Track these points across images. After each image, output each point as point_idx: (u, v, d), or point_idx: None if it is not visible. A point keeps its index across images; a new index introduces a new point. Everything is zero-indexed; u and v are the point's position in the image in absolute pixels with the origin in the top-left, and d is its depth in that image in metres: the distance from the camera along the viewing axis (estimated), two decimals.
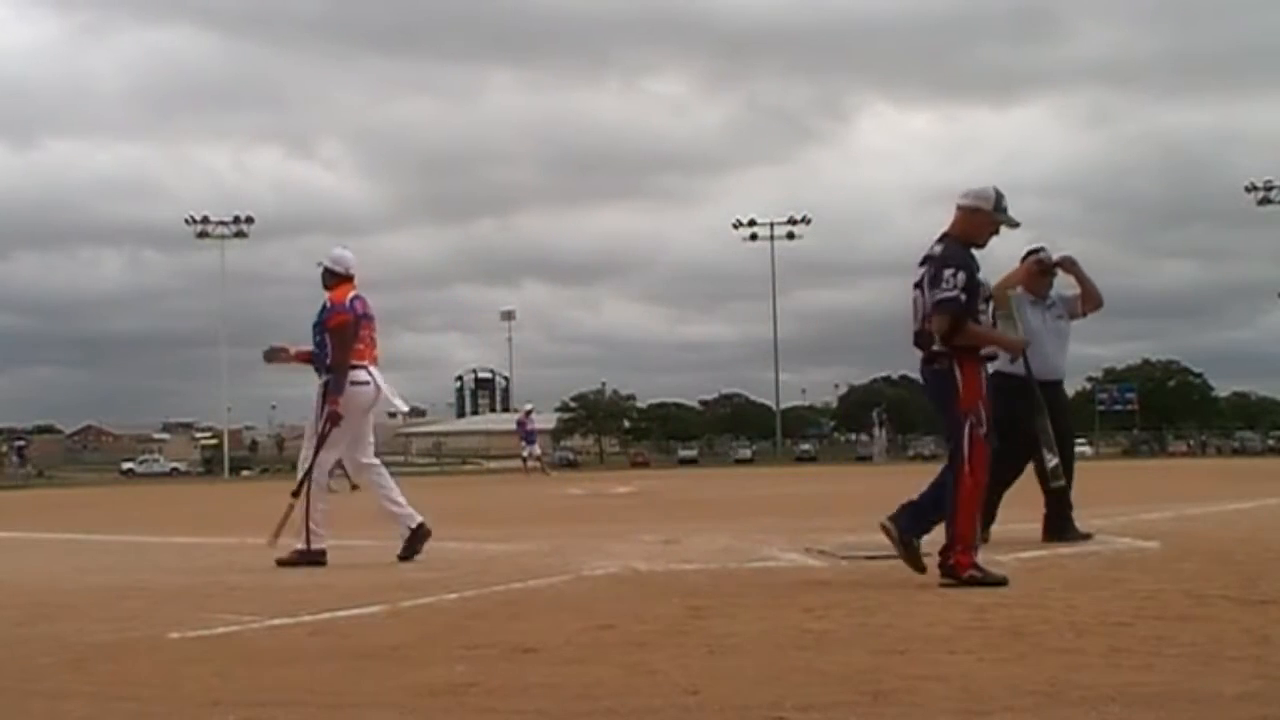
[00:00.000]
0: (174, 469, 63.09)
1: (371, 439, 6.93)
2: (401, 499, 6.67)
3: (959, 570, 4.87)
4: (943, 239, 5.11)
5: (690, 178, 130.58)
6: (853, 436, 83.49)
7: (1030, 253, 6.70)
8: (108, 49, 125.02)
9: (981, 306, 5.07)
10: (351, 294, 6.76)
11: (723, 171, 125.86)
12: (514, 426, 30.73)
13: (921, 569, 4.97)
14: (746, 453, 65.61)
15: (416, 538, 6.53)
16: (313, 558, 6.43)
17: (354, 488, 18.46)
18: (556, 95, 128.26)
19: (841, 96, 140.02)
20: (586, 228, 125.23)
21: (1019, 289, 6.56)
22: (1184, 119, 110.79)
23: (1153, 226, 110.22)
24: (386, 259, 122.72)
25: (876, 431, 44.22)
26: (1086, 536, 6.47)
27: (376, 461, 6.88)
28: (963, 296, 4.93)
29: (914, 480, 5.33)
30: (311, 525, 6.50)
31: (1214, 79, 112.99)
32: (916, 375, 5.33)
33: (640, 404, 78.27)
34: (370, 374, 6.70)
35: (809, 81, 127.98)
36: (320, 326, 6.66)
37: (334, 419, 6.48)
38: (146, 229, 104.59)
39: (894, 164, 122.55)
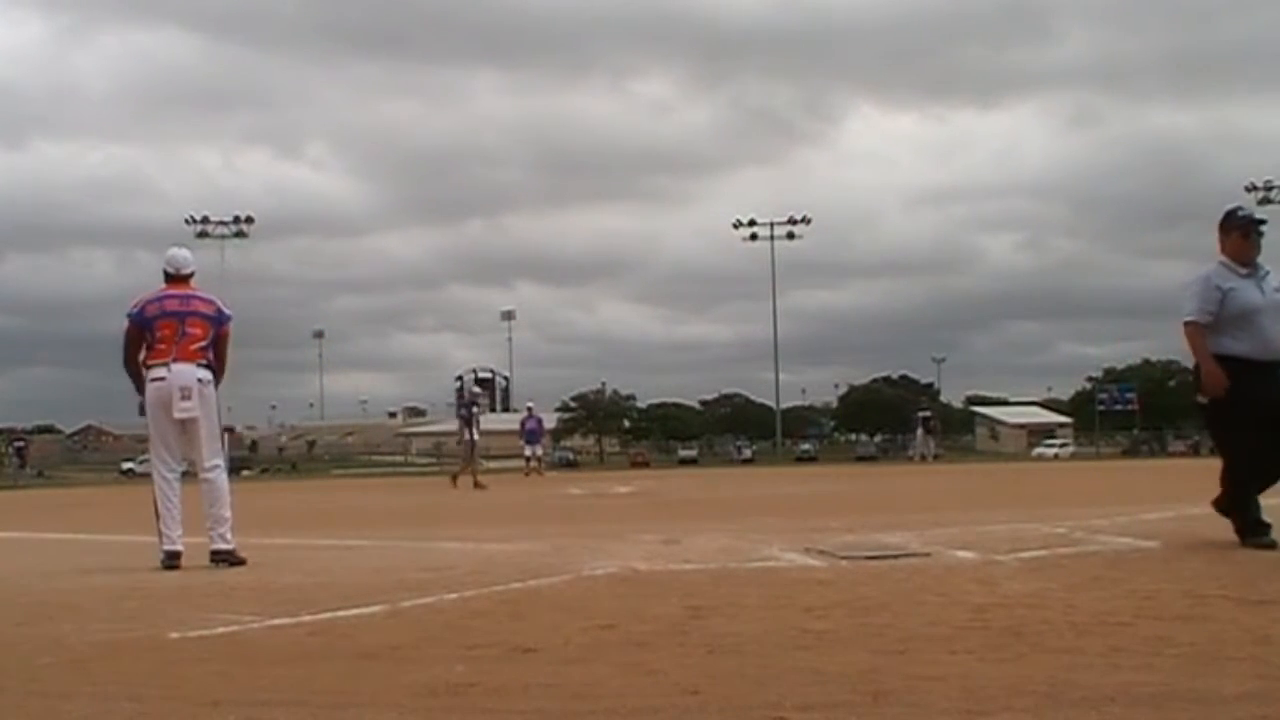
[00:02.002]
0: None
1: (202, 444, 6.53)
2: (173, 524, 6.38)
3: None
4: None
5: (679, 179, 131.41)
6: (853, 436, 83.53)
7: (1230, 214, 6.11)
8: (93, 51, 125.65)
9: None
10: (151, 296, 6.68)
11: (712, 172, 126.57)
12: (516, 426, 30.72)
13: None
14: (747, 453, 65.67)
15: (165, 563, 6.30)
16: (164, 561, 6.31)
17: (476, 485, 18.67)
18: (544, 97, 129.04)
19: (827, 98, 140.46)
20: (577, 228, 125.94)
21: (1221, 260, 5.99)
22: (1171, 120, 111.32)
23: (1147, 226, 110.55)
24: (378, 260, 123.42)
25: (919, 433, 43.77)
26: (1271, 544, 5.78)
27: (176, 471, 6.58)
28: None
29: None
30: (160, 527, 6.41)
31: (1201, 80, 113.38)
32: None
33: (640, 404, 78.48)
34: (168, 371, 6.52)
35: (795, 83, 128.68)
36: None
37: (141, 410, 6.59)
38: (141, 230, 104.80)
39: (883, 165, 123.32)
